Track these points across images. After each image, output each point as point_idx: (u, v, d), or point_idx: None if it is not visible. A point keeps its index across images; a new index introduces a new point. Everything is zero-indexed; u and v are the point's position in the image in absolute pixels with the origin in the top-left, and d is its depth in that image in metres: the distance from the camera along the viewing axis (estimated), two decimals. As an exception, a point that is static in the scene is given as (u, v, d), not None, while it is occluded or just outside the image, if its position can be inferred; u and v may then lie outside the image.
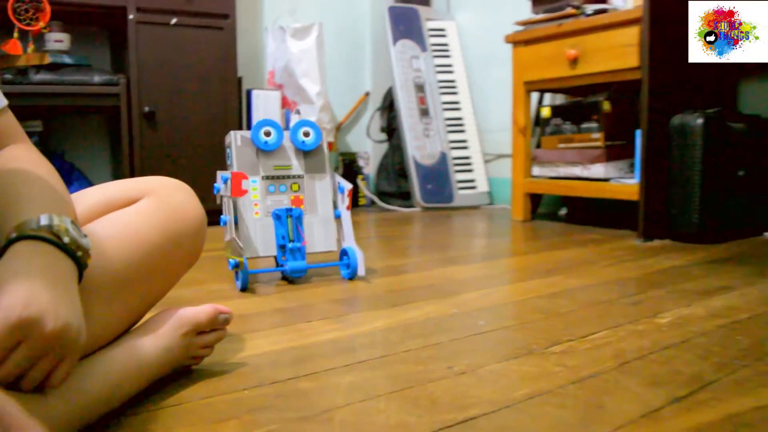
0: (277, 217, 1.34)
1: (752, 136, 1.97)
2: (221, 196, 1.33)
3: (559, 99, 2.60)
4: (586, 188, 2.19)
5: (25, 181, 0.67)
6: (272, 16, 2.91)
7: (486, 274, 1.51)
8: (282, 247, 1.34)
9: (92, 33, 2.46)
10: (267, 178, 1.36)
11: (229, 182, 1.30)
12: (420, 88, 3.01)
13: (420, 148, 2.96)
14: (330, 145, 2.94)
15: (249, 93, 2.54)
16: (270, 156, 1.37)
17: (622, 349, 0.90)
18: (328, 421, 0.68)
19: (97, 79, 2.12)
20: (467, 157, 3.04)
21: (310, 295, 1.28)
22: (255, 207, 1.35)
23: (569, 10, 2.17)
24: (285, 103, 2.72)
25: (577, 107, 2.29)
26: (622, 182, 2.10)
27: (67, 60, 2.12)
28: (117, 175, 2.40)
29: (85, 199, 0.79)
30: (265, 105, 2.53)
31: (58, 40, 2.14)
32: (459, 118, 3.07)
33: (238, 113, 2.42)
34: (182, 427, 0.66)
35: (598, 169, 2.17)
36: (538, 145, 2.49)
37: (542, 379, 0.78)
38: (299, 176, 1.39)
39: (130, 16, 2.17)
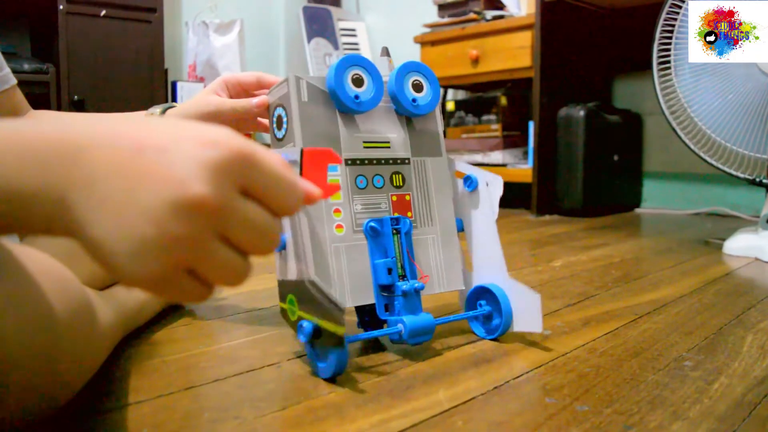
0: (372, 232, 0.74)
1: (624, 127, 2.33)
2: None
3: (461, 94, 2.89)
4: (487, 173, 2.48)
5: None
6: (191, 11, 3.03)
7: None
8: (387, 289, 0.73)
9: (12, 22, 2.50)
10: (354, 163, 0.75)
11: (298, 166, 0.54)
12: (333, 83, 3.20)
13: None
14: (249, 135, 3.09)
15: (174, 84, 2.66)
16: (357, 124, 0.76)
17: (527, 281, 1.15)
18: None
19: (27, 66, 2.19)
20: (378, 148, 3.25)
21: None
22: (336, 216, 0.73)
23: (471, 15, 2.45)
24: (206, 95, 2.85)
25: (478, 101, 2.58)
26: (518, 167, 2.40)
27: (-5, 48, 2.18)
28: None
29: None
30: (189, 96, 2.65)
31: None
32: (369, 112, 3.28)
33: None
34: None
35: (496, 156, 2.47)
36: (444, 135, 2.75)
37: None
38: (403, 161, 0.79)
39: (60, 7, 2.25)
